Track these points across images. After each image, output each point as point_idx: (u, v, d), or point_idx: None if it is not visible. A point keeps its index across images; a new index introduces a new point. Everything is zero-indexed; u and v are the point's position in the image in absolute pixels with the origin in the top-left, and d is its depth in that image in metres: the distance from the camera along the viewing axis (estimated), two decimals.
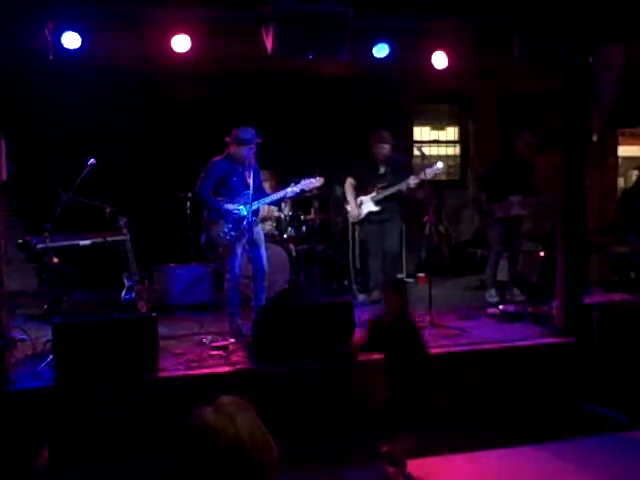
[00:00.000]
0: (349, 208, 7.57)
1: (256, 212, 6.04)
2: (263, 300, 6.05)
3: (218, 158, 6.01)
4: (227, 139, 5.93)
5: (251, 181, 5.87)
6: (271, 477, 1.42)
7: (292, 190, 6.15)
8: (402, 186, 7.14)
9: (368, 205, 7.40)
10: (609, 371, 5.54)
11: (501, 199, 7.37)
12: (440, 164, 7.10)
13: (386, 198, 7.33)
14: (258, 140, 5.91)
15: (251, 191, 5.84)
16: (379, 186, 7.34)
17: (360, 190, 7.50)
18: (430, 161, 7.46)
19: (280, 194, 6.24)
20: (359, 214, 7.46)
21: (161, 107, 8.17)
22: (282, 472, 1.48)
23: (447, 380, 5.33)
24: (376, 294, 7.53)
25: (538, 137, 7.62)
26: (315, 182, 6.25)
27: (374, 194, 7.34)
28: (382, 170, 7.38)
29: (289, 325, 5.25)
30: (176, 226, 7.80)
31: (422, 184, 7.05)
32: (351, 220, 7.65)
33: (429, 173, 6.91)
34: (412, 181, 7.07)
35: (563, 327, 5.87)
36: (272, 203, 6.65)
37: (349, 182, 7.57)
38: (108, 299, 6.81)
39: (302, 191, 6.30)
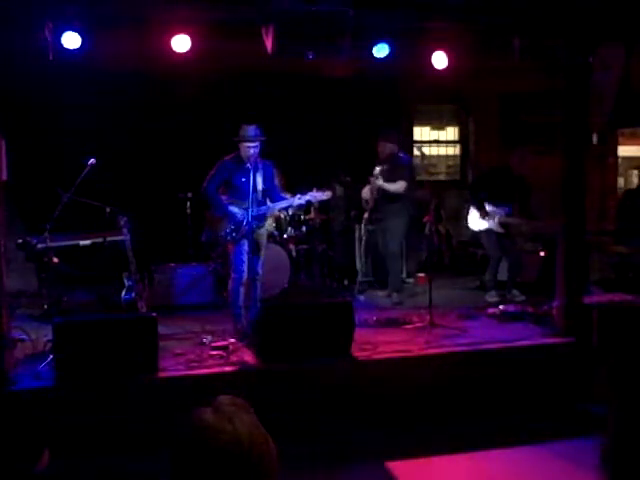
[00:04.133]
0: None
1: (259, 217, 5.98)
2: (256, 301, 6.04)
3: (227, 157, 6.00)
4: (235, 138, 5.90)
5: (260, 183, 5.87)
6: (271, 477, 1.42)
7: (298, 202, 6.09)
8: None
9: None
10: (609, 371, 5.53)
11: (482, 208, 7.43)
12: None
13: (383, 197, 7.41)
14: (262, 138, 5.89)
15: (257, 194, 5.84)
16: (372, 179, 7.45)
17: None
18: (430, 161, 7.48)
19: (285, 203, 6.20)
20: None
21: (161, 107, 8.17)
22: (282, 472, 1.48)
23: (447, 380, 5.35)
24: (381, 294, 7.60)
25: (520, 136, 7.63)
26: (323, 195, 6.17)
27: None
28: (378, 169, 7.35)
29: (289, 325, 5.25)
30: (176, 226, 7.80)
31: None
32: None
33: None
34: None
35: (563, 327, 5.87)
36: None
37: None
38: (108, 299, 6.81)
39: (308, 202, 6.25)
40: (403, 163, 7.59)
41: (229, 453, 1.37)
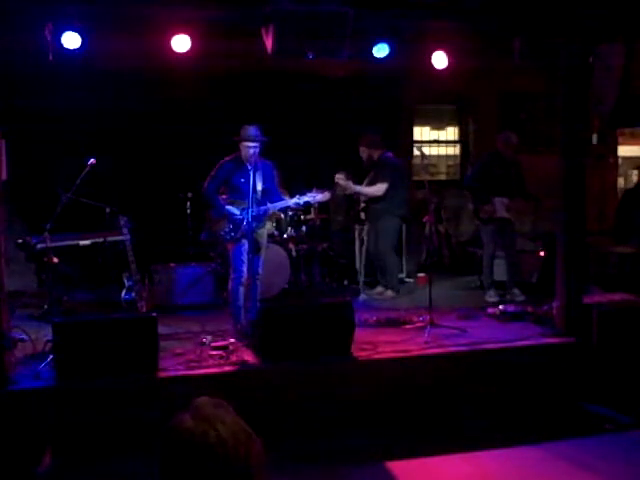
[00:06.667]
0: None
1: (258, 217, 5.96)
2: (256, 301, 6.04)
3: (227, 158, 6.02)
4: (236, 138, 5.93)
5: (260, 183, 5.88)
6: (260, 470, 1.40)
7: (296, 202, 6.09)
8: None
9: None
10: (609, 371, 5.54)
11: (486, 201, 7.42)
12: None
13: (370, 200, 7.66)
14: (263, 138, 5.90)
15: (257, 194, 5.84)
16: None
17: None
18: (430, 161, 7.49)
19: (284, 204, 6.21)
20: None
21: (161, 107, 8.17)
22: (282, 472, 1.48)
23: (447, 380, 5.36)
24: (377, 292, 7.60)
25: (520, 136, 7.68)
26: (321, 196, 6.18)
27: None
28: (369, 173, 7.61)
29: (289, 325, 5.25)
30: (176, 226, 7.80)
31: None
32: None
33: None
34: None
35: (563, 327, 5.87)
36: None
37: None
38: (108, 299, 6.81)
39: (307, 203, 6.26)
40: (384, 165, 7.61)
41: (215, 456, 1.35)
